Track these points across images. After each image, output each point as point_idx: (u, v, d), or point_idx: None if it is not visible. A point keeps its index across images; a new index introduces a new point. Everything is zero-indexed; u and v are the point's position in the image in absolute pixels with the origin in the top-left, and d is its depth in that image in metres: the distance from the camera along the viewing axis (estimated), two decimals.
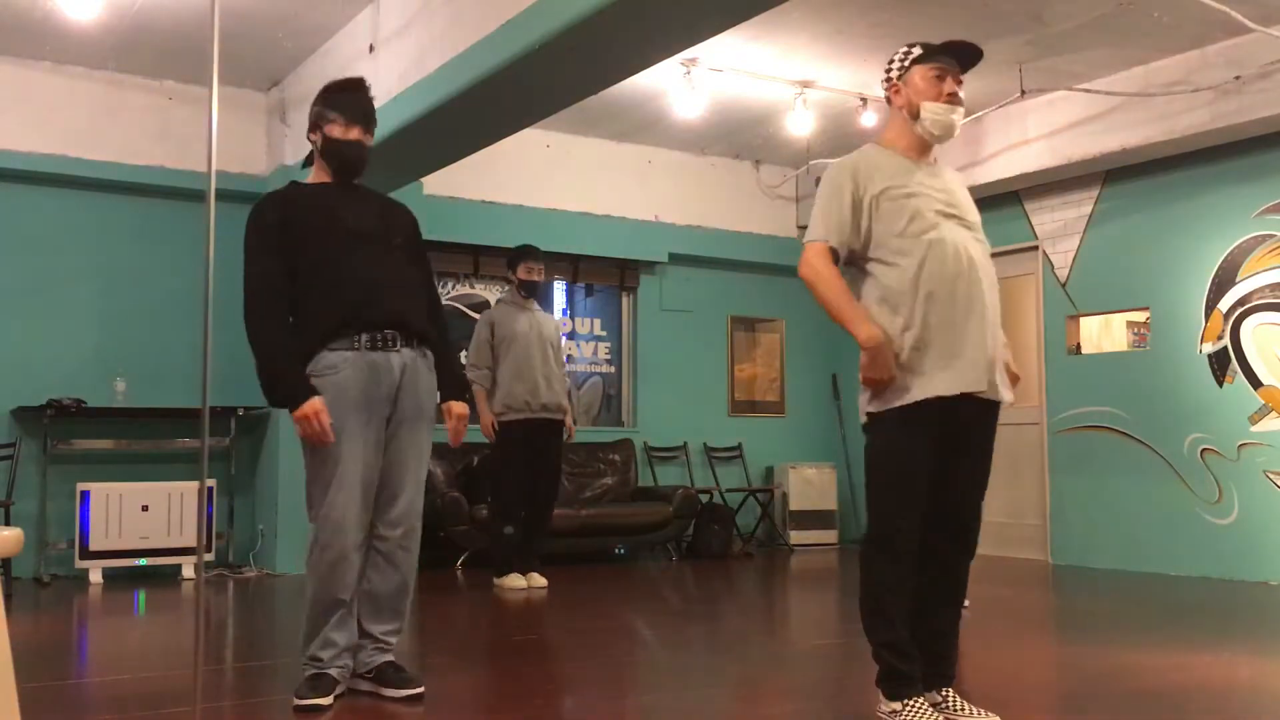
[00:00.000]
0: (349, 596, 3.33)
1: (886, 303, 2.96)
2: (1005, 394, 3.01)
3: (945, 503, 2.97)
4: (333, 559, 3.26)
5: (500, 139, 6.23)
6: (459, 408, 3.52)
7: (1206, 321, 6.94)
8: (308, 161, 3.50)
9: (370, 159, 6.83)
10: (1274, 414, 6.60)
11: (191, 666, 2.88)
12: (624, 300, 9.02)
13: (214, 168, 2.83)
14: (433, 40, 5.49)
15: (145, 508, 6.65)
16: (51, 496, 6.67)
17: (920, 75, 3.03)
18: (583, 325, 8.93)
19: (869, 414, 2.99)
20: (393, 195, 7.40)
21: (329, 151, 3.42)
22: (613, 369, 9.00)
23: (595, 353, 8.96)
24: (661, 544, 8.00)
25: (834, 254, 2.99)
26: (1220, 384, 6.86)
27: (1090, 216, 7.64)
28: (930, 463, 2.92)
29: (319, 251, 3.30)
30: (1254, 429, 6.68)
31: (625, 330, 9.02)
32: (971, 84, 7.09)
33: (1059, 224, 7.83)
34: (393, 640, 3.47)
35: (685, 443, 8.86)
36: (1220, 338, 6.86)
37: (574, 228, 8.35)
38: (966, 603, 5.15)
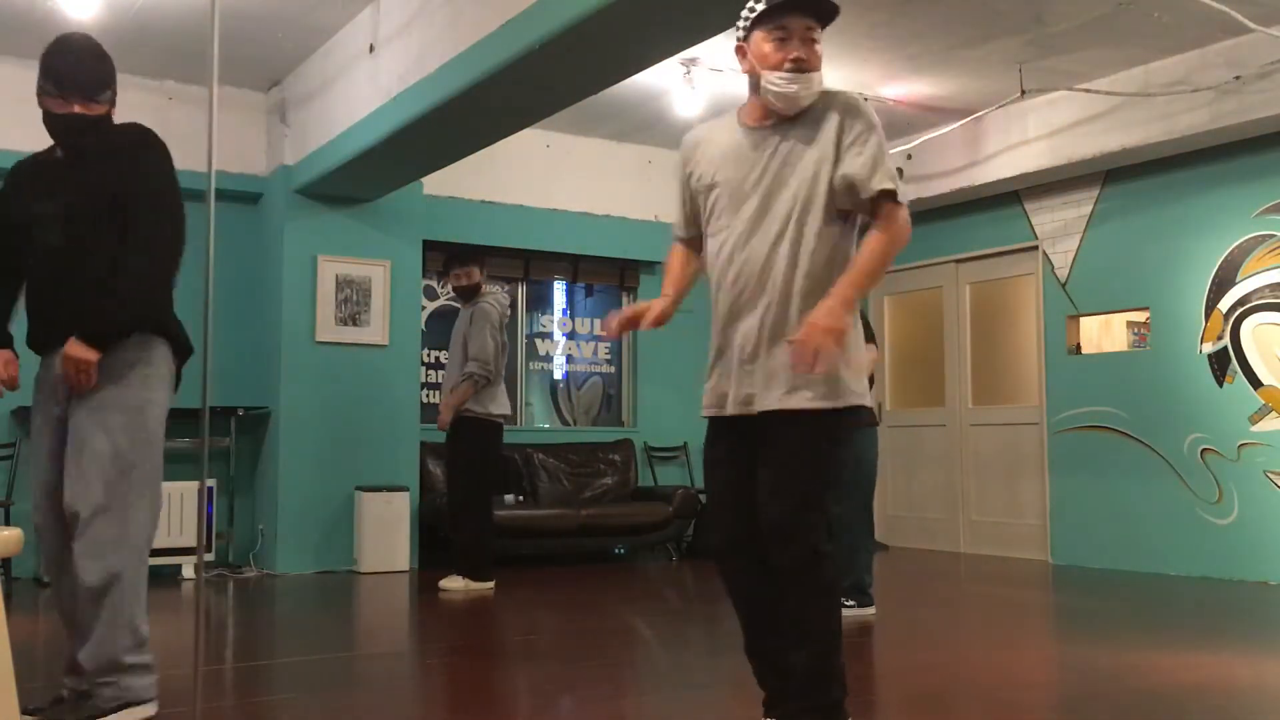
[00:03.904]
0: (59, 593, 3.14)
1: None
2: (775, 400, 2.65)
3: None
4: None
5: (500, 139, 6.23)
6: (71, 348, 2.98)
7: (1206, 321, 6.94)
8: None
9: (372, 159, 6.78)
10: (1274, 414, 6.59)
11: (191, 666, 2.88)
12: (624, 300, 9.01)
13: (214, 167, 2.84)
14: (433, 40, 5.49)
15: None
16: None
17: (762, 38, 2.69)
18: (583, 325, 8.93)
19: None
20: (393, 195, 7.50)
21: (46, 126, 3.11)
22: (613, 369, 9.00)
23: (595, 353, 8.95)
24: (661, 544, 8.00)
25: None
26: (1220, 384, 6.85)
27: (1090, 216, 7.63)
28: (734, 472, 2.74)
29: (19, 246, 3.11)
30: (1254, 429, 6.68)
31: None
32: (972, 84, 7.15)
33: (1059, 224, 7.83)
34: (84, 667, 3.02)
35: (685, 443, 8.85)
36: (1220, 338, 6.86)
37: (574, 228, 8.35)
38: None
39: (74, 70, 3.06)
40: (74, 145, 3.10)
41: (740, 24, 2.76)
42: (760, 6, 2.68)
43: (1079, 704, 3.56)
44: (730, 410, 2.72)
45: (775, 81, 2.66)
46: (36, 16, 6.11)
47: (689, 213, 2.91)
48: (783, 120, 2.74)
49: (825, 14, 2.69)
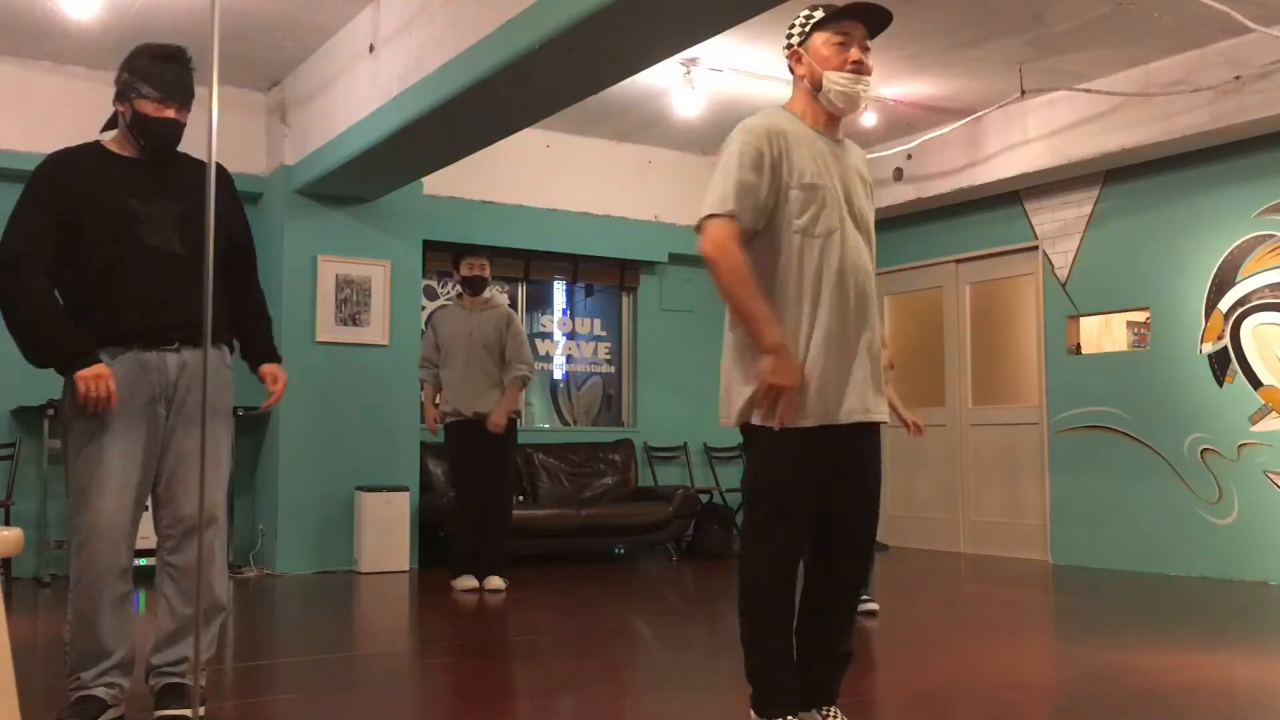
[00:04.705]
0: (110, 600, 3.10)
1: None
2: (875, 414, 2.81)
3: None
4: (96, 570, 3.02)
5: (500, 139, 6.23)
6: (271, 368, 3.47)
7: (1206, 321, 6.94)
8: (109, 125, 3.22)
9: (372, 159, 6.79)
10: (1274, 414, 6.59)
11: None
12: (624, 300, 9.02)
13: (214, 167, 2.84)
14: (433, 40, 5.49)
15: (145, 507, 6.64)
16: (51, 496, 6.67)
17: (823, 42, 2.79)
18: (583, 325, 8.93)
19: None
20: (393, 195, 7.49)
21: (137, 128, 3.13)
22: (613, 369, 9.00)
23: (595, 353, 8.95)
24: (661, 544, 8.00)
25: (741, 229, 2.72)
26: (1220, 384, 6.85)
27: (1090, 216, 7.63)
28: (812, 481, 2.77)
29: (102, 240, 3.06)
30: (1254, 429, 6.68)
31: (625, 330, 9.02)
32: (972, 84, 7.15)
33: (1059, 224, 7.83)
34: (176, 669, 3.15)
35: (685, 443, 8.85)
36: (1220, 338, 6.86)
37: (574, 228, 8.35)
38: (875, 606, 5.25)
39: (181, 79, 3.18)
40: (167, 149, 3.19)
41: (796, 30, 2.86)
42: (819, 14, 2.81)
43: (1079, 704, 3.56)
44: (844, 419, 2.74)
45: (840, 81, 2.78)
46: (36, 16, 6.11)
47: (765, 201, 2.73)
48: (838, 139, 2.88)
49: (880, 24, 2.83)
